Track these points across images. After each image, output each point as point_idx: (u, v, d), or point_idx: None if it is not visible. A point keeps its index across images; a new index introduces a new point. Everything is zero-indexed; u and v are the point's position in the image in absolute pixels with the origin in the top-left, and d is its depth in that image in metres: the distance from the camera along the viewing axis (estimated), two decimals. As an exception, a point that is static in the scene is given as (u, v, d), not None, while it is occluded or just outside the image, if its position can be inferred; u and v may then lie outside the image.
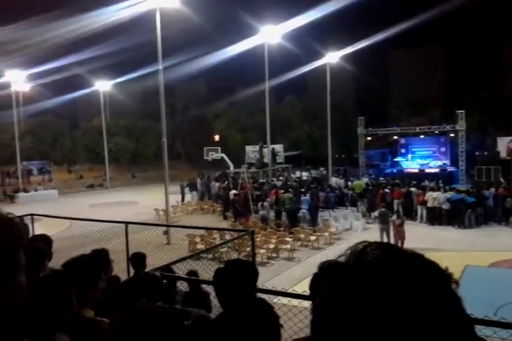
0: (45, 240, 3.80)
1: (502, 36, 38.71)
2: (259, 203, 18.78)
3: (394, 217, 13.96)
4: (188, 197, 26.15)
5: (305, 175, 32.02)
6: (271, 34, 25.93)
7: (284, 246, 13.72)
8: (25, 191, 32.03)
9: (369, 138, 36.89)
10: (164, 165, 17.59)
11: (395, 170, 32.74)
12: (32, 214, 8.45)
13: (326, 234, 15.20)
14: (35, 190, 32.28)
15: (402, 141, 34.63)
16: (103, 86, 42.10)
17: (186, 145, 52.90)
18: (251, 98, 47.11)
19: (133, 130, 48.10)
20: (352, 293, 0.63)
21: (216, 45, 36.23)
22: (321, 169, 33.98)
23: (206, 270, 5.84)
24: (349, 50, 33.54)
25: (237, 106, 52.20)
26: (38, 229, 8.15)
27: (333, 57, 31.31)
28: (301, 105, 48.08)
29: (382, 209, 14.87)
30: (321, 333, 0.68)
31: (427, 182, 23.70)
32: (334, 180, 26.62)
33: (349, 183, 25.16)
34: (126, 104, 52.23)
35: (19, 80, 35.23)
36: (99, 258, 3.26)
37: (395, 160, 34.88)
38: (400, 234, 13.26)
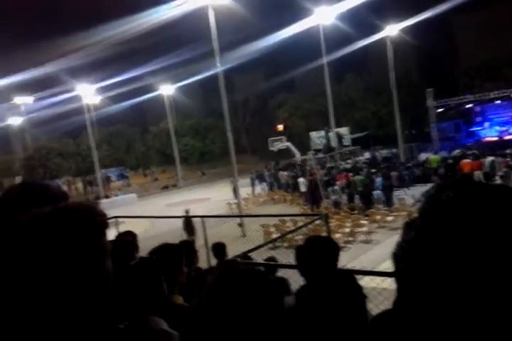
0: (131, 235, 4.10)
1: None
2: (329, 188, 18.56)
3: None
4: (258, 188, 26.45)
5: (378, 155, 31.07)
6: (325, 15, 25.32)
7: (360, 229, 13.45)
8: (107, 197, 33.69)
9: (439, 110, 34.96)
10: (232, 159, 17.90)
11: (471, 141, 30.85)
12: (116, 217, 8.96)
13: (404, 213, 14.64)
14: (116, 196, 34.18)
15: (477, 108, 32.50)
16: (166, 90, 43.67)
17: (251, 138, 53.42)
18: (311, 82, 46.30)
19: (199, 129, 49.40)
20: (428, 235, 0.59)
21: (270, 32, 35.90)
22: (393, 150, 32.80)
23: (285, 257, 5.87)
24: (409, 20, 31.84)
25: (298, 92, 51.66)
26: (123, 230, 8.63)
27: (392, 30, 29.94)
28: (363, 83, 46.28)
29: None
30: (406, 281, 0.64)
31: (508, 151, 22.14)
32: (423, 155, 25.94)
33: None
34: (189, 105, 53.75)
35: (89, 93, 37.31)
36: (185, 247, 3.42)
37: (471, 130, 32.86)
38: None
